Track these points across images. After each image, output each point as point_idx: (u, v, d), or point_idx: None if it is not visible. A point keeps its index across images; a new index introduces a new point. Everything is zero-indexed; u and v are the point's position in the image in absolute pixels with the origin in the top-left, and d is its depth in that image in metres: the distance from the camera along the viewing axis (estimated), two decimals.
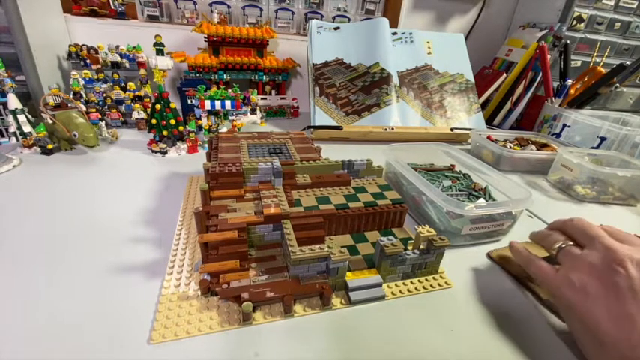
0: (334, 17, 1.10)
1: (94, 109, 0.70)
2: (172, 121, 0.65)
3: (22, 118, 0.62)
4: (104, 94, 0.77)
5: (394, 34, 0.94)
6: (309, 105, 0.85)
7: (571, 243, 0.30)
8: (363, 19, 1.11)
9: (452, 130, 0.86)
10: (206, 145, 0.69)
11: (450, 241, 0.37)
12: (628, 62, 0.86)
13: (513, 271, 0.40)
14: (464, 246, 0.45)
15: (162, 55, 0.72)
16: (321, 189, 0.44)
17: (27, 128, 0.62)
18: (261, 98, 0.95)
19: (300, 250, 0.32)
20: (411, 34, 0.96)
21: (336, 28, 0.92)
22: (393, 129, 0.81)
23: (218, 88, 0.72)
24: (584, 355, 0.27)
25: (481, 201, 0.52)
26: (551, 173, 0.69)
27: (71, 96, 0.70)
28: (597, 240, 0.27)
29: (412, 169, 0.49)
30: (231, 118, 0.74)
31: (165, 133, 0.65)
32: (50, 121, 0.60)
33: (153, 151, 0.65)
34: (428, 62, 0.95)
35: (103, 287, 0.33)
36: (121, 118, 0.77)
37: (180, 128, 0.67)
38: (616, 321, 0.23)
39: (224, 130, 0.72)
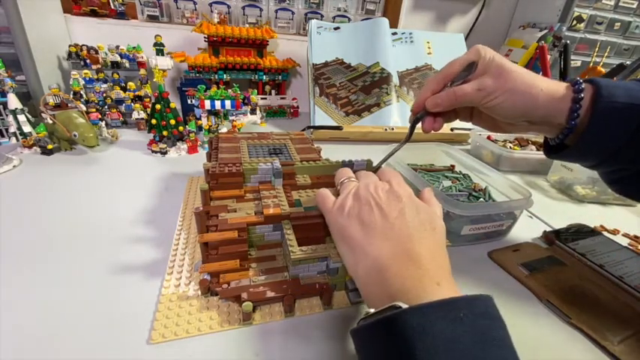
0: (334, 17, 1.10)
1: (94, 109, 0.70)
2: (172, 121, 0.65)
3: (22, 118, 0.62)
4: (104, 94, 0.77)
5: (394, 34, 0.94)
6: (309, 105, 0.85)
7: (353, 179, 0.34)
8: (363, 19, 1.11)
9: (452, 130, 0.86)
10: (206, 145, 0.69)
11: (450, 241, 0.37)
12: (628, 62, 0.86)
13: (513, 271, 0.40)
14: (464, 246, 0.45)
15: (162, 55, 0.72)
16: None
17: (27, 128, 0.62)
18: (261, 98, 0.94)
19: (300, 250, 0.32)
20: (411, 34, 0.96)
21: (336, 28, 0.92)
22: (393, 129, 0.81)
23: (218, 88, 0.72)
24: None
25: (481, 201, 0.52)
26: (551, 173, 0.69)
27: (71, 96, 0.70)
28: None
29: (412, 169, 0.49)
30: (231, 118, 0.74)
31: (165, 133, 0.65)
32: (50, 121, 0.60)
33: (153, 151, 0.65)
34: (428, 62, 0.95)
35: (102, 287, 0.33)
36: (121, 118, 0.77)
37: (180, 128, 0.67)
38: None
39: (224, 130, 0.72)
